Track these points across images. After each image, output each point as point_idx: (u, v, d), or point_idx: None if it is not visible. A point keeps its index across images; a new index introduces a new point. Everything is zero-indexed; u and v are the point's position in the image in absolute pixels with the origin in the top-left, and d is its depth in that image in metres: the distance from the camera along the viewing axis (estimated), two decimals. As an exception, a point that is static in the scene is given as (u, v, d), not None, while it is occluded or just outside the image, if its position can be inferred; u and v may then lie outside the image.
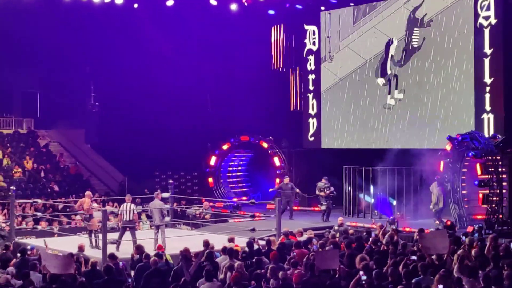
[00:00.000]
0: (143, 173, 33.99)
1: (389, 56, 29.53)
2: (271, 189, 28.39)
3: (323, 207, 26.63)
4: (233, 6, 31.99)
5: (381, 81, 29.86)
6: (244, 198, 31.79)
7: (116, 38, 33.44)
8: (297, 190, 27.55)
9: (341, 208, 28.79)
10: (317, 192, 27.02)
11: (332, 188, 26.99)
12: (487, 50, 26.34)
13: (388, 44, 29.53)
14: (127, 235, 20.65)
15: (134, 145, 33.47)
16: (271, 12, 33.06)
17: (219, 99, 35.66)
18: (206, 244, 16.79)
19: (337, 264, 13.45)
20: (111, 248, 19.03)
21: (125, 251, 19.53)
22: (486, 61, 26.36)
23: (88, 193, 22.54)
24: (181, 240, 19.47)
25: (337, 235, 19.42)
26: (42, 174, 33.40)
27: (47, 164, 34.47)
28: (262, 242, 18.72)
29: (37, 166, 33.82)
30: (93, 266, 15.07)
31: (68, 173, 34.70)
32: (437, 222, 23.87)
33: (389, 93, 29.65)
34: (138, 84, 33.93)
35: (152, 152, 33.58)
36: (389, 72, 29.63)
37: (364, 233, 19.26)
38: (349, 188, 28.37)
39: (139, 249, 16.50)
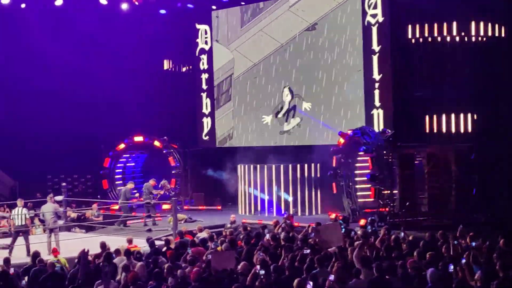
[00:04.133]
0: (35, 177, 33.15)
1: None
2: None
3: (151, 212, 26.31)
4: (124, 6, 31.61)
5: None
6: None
7: (3, 39, 32.49)
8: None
9: (236, 206, 28.97)
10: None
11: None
12: (375, 47, 27.01)
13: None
14: (20, 240, 20.18)
15: (25, 149, 32.59)
16: (163, 11, 32.89)
17: (112, 100, 35.17)
18: (103, 246, 16.63)
19: (233, 264, 13.48)
20: (3, 254, 18.55)
21: (18, 256, 19.11)
22: (375, 58, 27.02)
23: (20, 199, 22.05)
24: (76, 243, 19.16)
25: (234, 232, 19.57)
26: None
27: None
28: (159, 242, 18.65)
29: None
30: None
31: (-45, 179, 33.55)
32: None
33: (282, 92, 30.02)
34: (28, 87, 33.04)
35: (43, 156, 32.76)
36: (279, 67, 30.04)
37: (261, 229, 19.41)
38: (245, 186, 28.54)
39: (35, 256, 16.02)
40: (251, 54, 30.96)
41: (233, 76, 31.67)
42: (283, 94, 29.83)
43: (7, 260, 15.35)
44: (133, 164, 33.94)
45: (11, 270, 14.11)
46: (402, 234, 17.44)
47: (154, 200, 26.42)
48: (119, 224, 25.16)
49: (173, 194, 28.06)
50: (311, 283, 11.67)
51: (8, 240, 20.55)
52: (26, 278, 15.26)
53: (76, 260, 14.34)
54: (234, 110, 31.59)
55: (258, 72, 30.68)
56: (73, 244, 18.52)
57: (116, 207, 28.08)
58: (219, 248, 16.24)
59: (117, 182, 32.77)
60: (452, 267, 12.42)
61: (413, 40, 26.54)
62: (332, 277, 11.81)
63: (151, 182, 27.01)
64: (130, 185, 27.29)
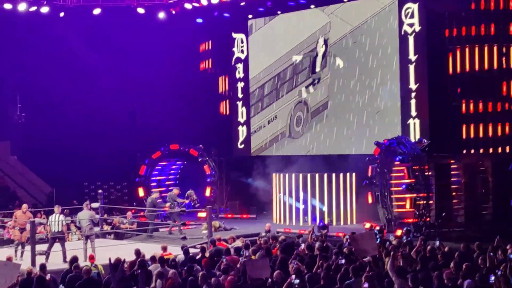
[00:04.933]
0: (72, 184, 33.50)
1: (317, 62, 29.91)
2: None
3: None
4: (161, 15, 31.81)
5: (306, 89, 30.25)
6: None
7: (42, 48, 32.90)
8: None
9: (271, 215, 28.95)
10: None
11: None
12: (412, 56, 26.90)
13: (315, 51, 29.91)
14: (57, 246, 20.36)
15: (62, 157, 32.92)
16: (199, 20, 33.02)
17: (149, 108, 35.41)
18: (138, 253, 16.72)
19: (268, 273, 13.42)
20: (40, 260, 18.77)
21: (54, 262, 19.33)
22: (411, 67, 26.91)
23: (24, 205, 22.28)
24: (111, 250, 19.28)
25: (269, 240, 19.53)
26: (-33, 187, 32.66)
27: (-28, 176, 33.73)
28: (194, 250, 18.70)
29: (-39, 179, 33.05)
30: (28, 274, 14.84)
31: (-6, 186, 34.01)
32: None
33: (316, 100, 30.00)
34: (65, 95, 33.41)
35: (80, 163, 33.10)
36: (314, 78, 30.00)
37: (296, 239, 19.37)
38: (279, 194, 28.51)
39: (73, 261, 16.18)
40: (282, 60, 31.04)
41: (266, 85, 31.72)
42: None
43: (43, 266, 15.50)
44: (168, 172, 34.09)
45: (48, 276, 14.24)
46: (437, 243, 17.25)
47: (178, 209, 26.43)
48: (150, 232, 25.21)
49: (198, 205, 27.99)
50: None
51: (45, 246, 20.72)
52: (61, 285, 15.42)
53: (110, 267, 14.41)
54: (270, 118, 31.60)
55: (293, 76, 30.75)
56: (109, 251, 18.62)
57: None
58: (253, 257, 16.24)
59: (152, 190, 32.90)
60: (493, 278, 12.30)
61: (450, 49, 26.37)
62: (366, 285, 11.76)
63: (175, 191, 27.09)
64: (155, 195, 27.45)
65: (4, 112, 35.16)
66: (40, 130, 34.28)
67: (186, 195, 27.20)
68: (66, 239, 21.45)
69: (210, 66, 34.56)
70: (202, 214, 27.98)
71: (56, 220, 20.37)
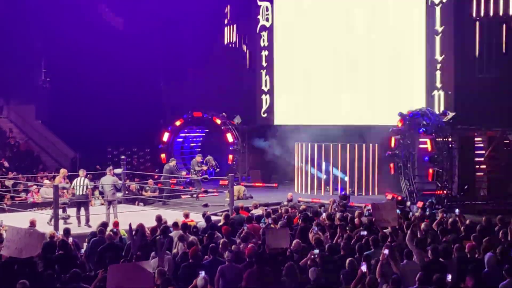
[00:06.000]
0: (95, 149, 33.69)
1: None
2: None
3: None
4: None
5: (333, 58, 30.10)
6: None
7: (67, 14, 32.97)
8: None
9: (293, 184, 28.99)
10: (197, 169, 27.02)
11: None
12: (438, 27, 26.66)
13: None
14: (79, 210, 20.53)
15: (86, 121, 33.13)
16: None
17: (172, 74, 35.45)
18: (159, 219, 16.84)
19: (287, 243, 13.46)
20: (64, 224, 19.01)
21: (76, 226, 19.64)
22: (437, 39, 26.68)
23: (63, 170, 22.34)
24: (133, 216, 19.42)
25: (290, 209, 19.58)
26: (-8, 150, 32.95)
27: (-3, 140, 34.01)
28: (216, 218, 18.80)
29: (-14, 142, 33.35)
30: (51, 238, 15.01)
31: (18, 150, 34.24)
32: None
33: (341, 69, 29.86)
34: (90, 60, 33.52)
35: (104, 128, 33.28)
36: (340, 48, 29.84)
37: (318, 208, 19.38)
38: (301, 164, 28.51)
39: (103, 225, 16.32)
40: (310, 32, 30.81)
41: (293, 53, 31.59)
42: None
43: (67, 231, 15.67)
44: (191, 139, 34.19)
45: (70, 240, 14.38)
46: (457, 211, 17.09)
47: (197, 176, 26.57)
48: (164, 199, 25.33)
49: (217, 170, 28.20)
50: (365, 263, 11.65)
51: (70, 211, 20.84)
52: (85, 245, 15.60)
53: (130, 233, 14.53)
54: (294, 87, 31.50)
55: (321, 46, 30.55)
56: (131, 217, 18.77)
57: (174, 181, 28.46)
58: (274, 226, 16.28)
59: (177, 156, 33.06)
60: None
61: (477, 20, 26.07)
62: (386, 251, 11.78)
63: (198, 158, 27.25)
64: (173, 162, 27.54)
65: (29, 77, 35.37)
66: (65, 95, 34.47)
67: (204, 161, 27.32)
68: (90, 204, 21.58)
69: (234, 34, 34.42)
70: (224, 182, 28.11)
71: (81, 185, 20.49)
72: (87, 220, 20.20)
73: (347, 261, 11.96)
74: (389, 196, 24.01)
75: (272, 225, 16.38)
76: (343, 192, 24.44)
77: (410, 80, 27.65)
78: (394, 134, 25.01)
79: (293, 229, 16.09)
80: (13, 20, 32.85)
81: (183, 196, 26.66)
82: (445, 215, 17.01)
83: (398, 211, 15.86)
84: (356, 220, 16.67)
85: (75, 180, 20.74)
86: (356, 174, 27.37)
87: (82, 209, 20.41)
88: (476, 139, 24.12)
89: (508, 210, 20.21)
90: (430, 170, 23.65)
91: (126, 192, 25.60)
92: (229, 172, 26.85)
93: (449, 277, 10.89)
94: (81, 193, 20.46)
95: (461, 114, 24.80)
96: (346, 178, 27.38)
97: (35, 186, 25.22)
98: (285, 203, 21.99)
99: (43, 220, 19.20)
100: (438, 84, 26.68)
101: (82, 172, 20.99)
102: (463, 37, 26.32)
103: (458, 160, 23.42)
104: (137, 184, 27.10)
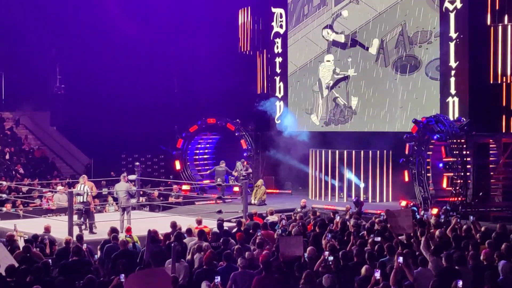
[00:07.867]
0: (109, 155, 33.84)
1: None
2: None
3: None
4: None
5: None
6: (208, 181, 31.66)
7: (82, 20, 33.15)
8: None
9: (307, 191, 28.95)
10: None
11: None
12: (453, 34, 26.58)
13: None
14: (97, 217, 20.50)
15: (100, 128, 33.25)
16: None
17: (186, 81, 35.53)
18: (174, 225, 16.84)
19: (301, 251, 13.41)
20: (77, 230, 19.03)
21: (87, 233, 19.61)
22: (452, 45, 26.60)
23: (84, 176, 22.26)
24: (147, 222, 19.43)
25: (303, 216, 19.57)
26: (7, 156, 33.05)
27: (12, 146, 34.10)
28: (229, 224, 18.79)
29: (1, 148, 33.45)
30: (67, 243, 15.03)
31: (33, 156, 34.39)
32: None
33: (354, 76, 29.82)
34: (104, 67, 33.68)
35: (118, 135, 33.42)
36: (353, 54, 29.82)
37: (332, 215, 19.33)
38: (316, 171, 28.48)
39: (113, 231, 16.33)
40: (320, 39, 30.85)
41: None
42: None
43: (80, 237, 15.69)
44: (206, 145, 34.23)
45: (84, 246, 14.40)
46: (472, 218, 16.94)
47: (223, 184, 26.85)
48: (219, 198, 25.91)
49: (249, 172, 28.94)
50: (379, 270, 11.59)
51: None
52: (99, 252, 15.61)
53: (148, 239, 14.52)
54: (308, 93, 31.48)
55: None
56: (145, 223, 18.78)
57: (187, 187, 28.57)
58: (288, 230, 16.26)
59: (188, 163, 33.13)
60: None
61: (492, 27, 25.96)
62: (401, 259, 11.71)
63: (243, 161, 29.06)
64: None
65: (44, 83, 35.58)
66: (79, 102, 34.64)
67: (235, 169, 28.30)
68: (91, 210, 20.75)
69: (248, 40, 34.45)
70: (237, 189, 28.16)
71: (82, 192, 20.25)
72: (91, 228, 20.09)
73: (363, 268, 11.91)
74: (403, 203, 23.91)
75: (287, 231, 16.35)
76: (355, 198, 24.40)
77: (424, 87, 27.55)
78: (408, 140, 24.93)
79: (307, 236, 16.05)
80: (28, 27, 33.03)
81: (196, 203, 26.67)
82: (459, 221, 16.90)
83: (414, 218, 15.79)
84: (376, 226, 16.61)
85: (76, 187, 20.64)
86: (370, 181, 27.32)
87: (99, 216, 20.35)
88: (490, 145, 24.00)
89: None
90: (445, 177, 23.55)
91: (147, 198, 25.68)
92: (243, 179, 26.84)
93: (460, 283, 10.81)
94: (81, 200, 20.13)
95: (475, 120, 24.68)
96: (362, 185, 27.30)
97: (49, 193, 25.28)
98: (298, 209, 21.99)
99: (57, 226, 19.18)
100: (453, 91, 26.58)
101: (82, 179, 20.73)
102: (478, 44, 26.20)
103: (472, 167, 23.29)
104: (158, 191, 27.04)
